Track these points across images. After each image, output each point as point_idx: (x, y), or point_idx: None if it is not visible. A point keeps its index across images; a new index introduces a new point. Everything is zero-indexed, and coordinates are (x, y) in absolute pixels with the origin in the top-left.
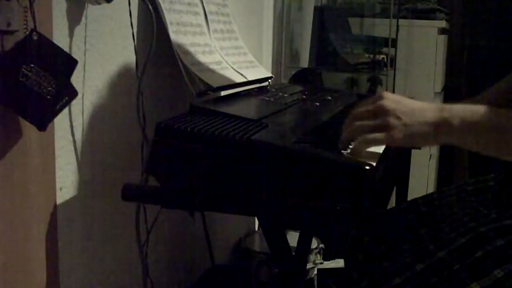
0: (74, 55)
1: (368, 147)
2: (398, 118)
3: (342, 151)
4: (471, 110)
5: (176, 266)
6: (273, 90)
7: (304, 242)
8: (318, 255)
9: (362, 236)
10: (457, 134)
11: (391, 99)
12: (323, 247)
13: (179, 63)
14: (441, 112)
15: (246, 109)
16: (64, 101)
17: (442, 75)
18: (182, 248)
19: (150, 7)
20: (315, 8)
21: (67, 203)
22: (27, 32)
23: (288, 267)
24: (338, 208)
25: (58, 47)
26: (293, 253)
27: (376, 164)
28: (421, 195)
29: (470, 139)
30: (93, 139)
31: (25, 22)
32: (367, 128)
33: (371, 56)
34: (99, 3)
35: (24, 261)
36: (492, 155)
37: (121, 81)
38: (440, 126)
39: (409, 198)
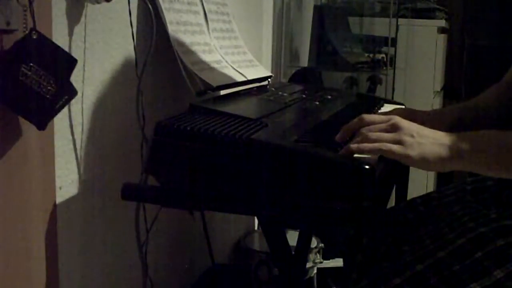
0: (74, 54)
1: (379, 153)
2: (412, 136)
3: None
4: (479, 134)
5: (176, 265)
6: (273, 89)
7: (303, 241)
8: (318, 254)
9: (361, 236)
10: (468, 157)
11: (404, 120)
12: (323, 246)
13: (179, 62)
14: (452, 136)
15: (246, 108)
16: (63, 100)
17: (442, 74)
18: (182, 247)
19: (149, 6)
20: (315, 7)
21: (66, 202)
22: (27, 31)
23: (287, 267)
24: (338, 208)
25: (58, 46)
26: (293, 253)
27: (376, 164)
28: (420, 194)
29: (481, 162)
30: (93, 138)
31: (24, 21)
32: (383, 139)
33: (371, 55)
34: (99, 2)
35: (24, 261)
36: (504, 176)
37: (121, 80)
38: (452, 149)
39: (408, 197)
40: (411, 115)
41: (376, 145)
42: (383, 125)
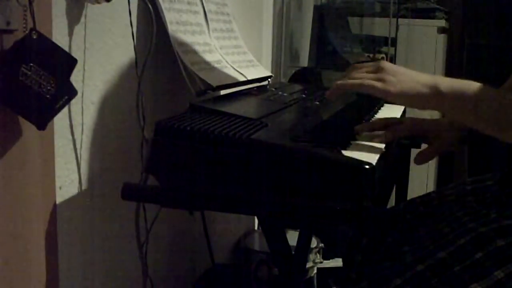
0: (74, 54)
1: (360, 89)
2: (394, 75)
3: (341, 150)
4: (461, 81)
5: (176, 265)
6: (273, 89)
7: (303, 241)
8: (318, 254)
9: (360, 236)
10: (446, 99)
11: (388, 63)
12: (323, 246)
13: (179, 62)
14: (434, 78)
15: (246, 108)
16: (63, 100)
17: (442, 74)
18: (182, 247)
19: (149, 6)
20: (315, 7)
21: (66, 202)
22: (27, 31)
23: (287, 266)
24: (338, 208)
25: (58, 46)
26: (293, 252)
27: (376, 163)
28: (420, 194)
29: (456, 106)
30: (93, 138)
31: (24, 21)
32: (366, 77)
33: (371, 55)
34: (99, 2)
35: (24, 261)
36: (476, 127)
37: (121, 80)
38: (432, 88)
39: (408, 197)
40: (418, 124)
41: (357, 80)
42: (369, 68)
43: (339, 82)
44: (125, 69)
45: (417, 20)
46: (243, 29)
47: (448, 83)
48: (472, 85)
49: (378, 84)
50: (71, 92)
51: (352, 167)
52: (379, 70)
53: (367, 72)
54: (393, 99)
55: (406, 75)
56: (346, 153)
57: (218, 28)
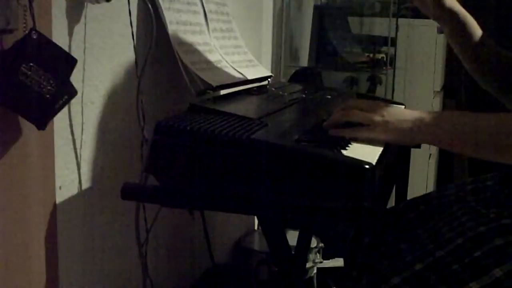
0: (74, 54)
1: (350, 137)
2: (382, 116)
3: (342, 151)
4: (444, 112)
5: (176, 265)
6: (273, 89)
7: (303, 241)
8: (318, 254)
9: (362, 235)
10: (429, 130)
11: (381, 103)
12: (323, 246)
13: (179, 62)
14: (420, 112)
15: (246, 108)
16: (63, 100)
17: (442, 74)
18: (182, 247)
19: (149, 6)
20: (315, 7)
21: (66, 202)
22: (27, 31)
23: (287, 266)
24: (338, 207)
25: (58, 46)
26: (293, 252)
27: (376, 163)
28: (420, 194)
29: (440, 136)
30: (93, 138)
31: (24, 21)
32: (356, 117)
33: (371, 55)
34: (99, 2)
35: (24, 261)
36: (463, 153)
37: (121, 80)
38: (415, 123)
39: (408, 197)
40: None
41: (347, 132)
42: (362, 105)
43: (331, 130)
44: (125, 69)
45: (417, 20)
46: (243, 29)
47: (433, 115)
48: (453, 113)
49: (364, 130)
50: (71, 92)
51: (352, 167)
52: (370, 109)
53: (357, 111)
54: (382, 139)
55: (393, 114)
56: (346, 153)
57: (218, 28)
